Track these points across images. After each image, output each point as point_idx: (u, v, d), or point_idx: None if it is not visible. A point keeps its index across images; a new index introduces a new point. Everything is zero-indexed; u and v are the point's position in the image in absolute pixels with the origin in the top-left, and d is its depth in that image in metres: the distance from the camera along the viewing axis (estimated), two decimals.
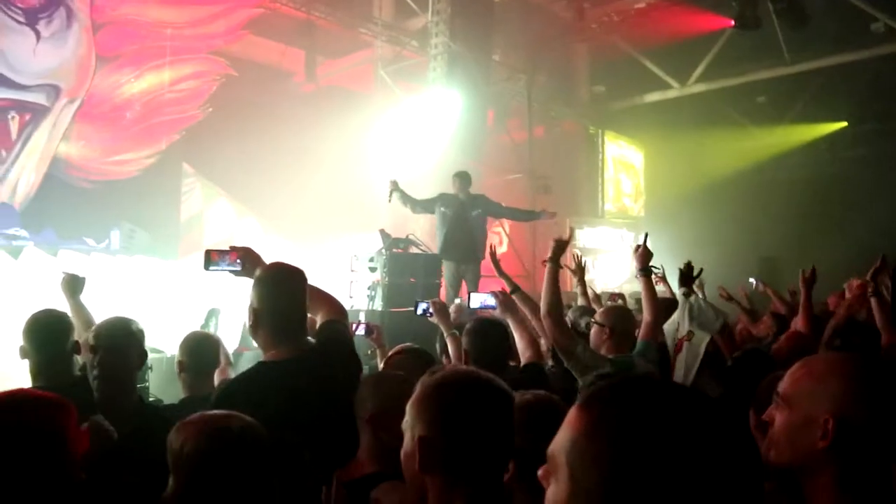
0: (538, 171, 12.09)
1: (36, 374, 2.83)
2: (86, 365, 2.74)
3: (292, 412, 2.06)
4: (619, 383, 0.92)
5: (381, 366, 3.39)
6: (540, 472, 0.93)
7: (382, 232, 7.37)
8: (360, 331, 3.92)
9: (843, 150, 14.78)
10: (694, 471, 0.82)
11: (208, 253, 2.66)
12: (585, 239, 13.87)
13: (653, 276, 3.71)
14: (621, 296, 6.65)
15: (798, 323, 4.20)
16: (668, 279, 5.44)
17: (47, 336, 2.84)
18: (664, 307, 3.86)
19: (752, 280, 6.94)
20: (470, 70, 10.06)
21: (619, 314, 3.62)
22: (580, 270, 5.18)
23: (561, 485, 0.88)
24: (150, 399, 3.62)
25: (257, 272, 2.46)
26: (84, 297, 3.41)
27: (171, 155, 9.61)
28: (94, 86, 8.96)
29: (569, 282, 6.50)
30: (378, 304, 6.86)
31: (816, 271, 4.36)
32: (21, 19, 8.31)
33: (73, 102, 8.80)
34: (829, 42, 11.87)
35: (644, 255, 3.64)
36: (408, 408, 1.51)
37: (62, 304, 3.24)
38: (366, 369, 2.93)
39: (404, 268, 7.17)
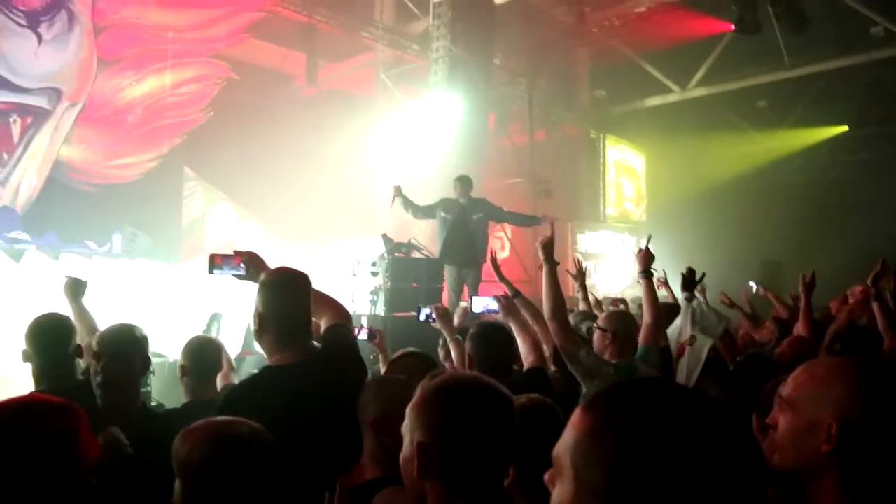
0: (539, 175, 12.10)
1: (39, 377, 2.83)
2: (88, 368, 2.74)
3: (297, 416, 2.05)
4: (622, 385, 0.93)
5: (383, 370, 3.39)
6: (546, 477, 0.93)
7: (385, 236, 7.37)
8: (363, 335, 3.91)
9: (844, 153, 14.80)
10: (698, 471, 0.82)
11: (212, 257, 2.67)
12: (587, 243, 13.88)
13: (655, 281, 3.71)
14: (623, 301, 6.64)
15: (799, 328, 4.20)
16: (670, 284, 5.45)
17: (50, 340, 2.85)
18: (665, 312, 3.86)
19: (752, 284, 6.94)
20: (471, 74, 10.08)
21: (622, 319, 3.62)
22: (581, 275, 5.17)
23: (566, 486, 0.88)
24: (152, 403, 3.62)
25: (262, 277, 2.46)
26: (86, 301, 3.42)
27: (173, 158, 9.61)
28: (95, 89, 8.96)
29: (570, 287, 6.50)
30: (380, 309, 6.87)
31: (816, 276, 4.37)
32: (22, 22, 8.32)
33: (74, 106, 8.80)
34: (829, 46, 11.89)
35: (646, 257, 3.65)
36: (407, 412, 1.49)
37: (64, 308, 3.25)
38: (368, 374, 2.93)
39: (406, 272, 7.17)
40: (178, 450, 1.71)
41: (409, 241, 7.56)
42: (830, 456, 1.29)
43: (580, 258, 5.96)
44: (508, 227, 11.02)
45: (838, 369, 1.38)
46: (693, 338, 3.68)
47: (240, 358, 5.96)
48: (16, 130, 8.35)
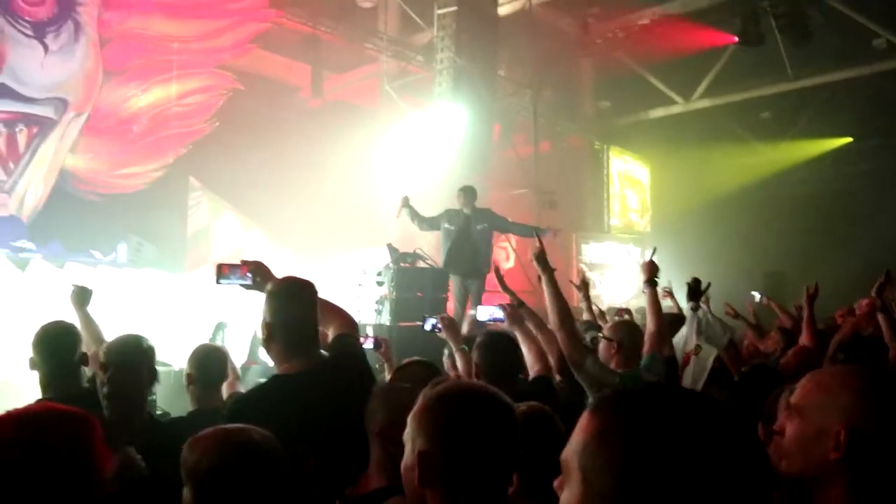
0: (544, 185, 12.11)
1: (45, 385, 2.84)
2: (94, 376, 2.75)
3: (305, 425, 2.05)
4: (629, 389, 0.93)
5: (388, 379, 3.39)
6: (556, 483, 0.93)
7: (390, 246, 7.38)
8: (368, 344, 3.91)
9: (847, 165, 14.81)
10: (706, 473, 0.83)
11: (219, 267, 2.68)
12: (591, 254, 13.88)
13: (660, 291, 3.72)
14: (628, 311, 6.64)
15: (803, 339, 4.20)
16: (675, 294, 5.44)
17: (56, 348, 2.86)
18: (670, 322, 3.86)
19: (755, 294, 6.92)
20: (475, 85, 10.10)
21: (627, 329, 3.62)
22: (585, 286, 5.17)
23: (574, 489, 0.89)
24: (158, 412, 3.62)
25: (269, 286, 2.46)
26: (91, 310, 3.43)
27: (178, 168, 9.65)
28: (101, 99, 9.02)
29: (574, 298, 6.50)
30: (385, 319, 6.87)
31: (820, 287, 4.36)
32: (29, 33, 8.39)
33: (80, 116, 8.85)
34: (832, 58, 11.92)
35: (650, 266, 3.66)
36: (409, 420, 1.48)
37: (69, 316, 3.25)
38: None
39: (412, 282, 7.18)
40: (186, 457, 1.70)
41: (415, 251, 7.57)
42: (838, 463, 1.30)
43: (584, 269, 5.96)
44: (513, 238, 11.03)
45: (846, 377, 1.38)
46: (698, 347, 3.68)
47: (245, 367, 5.97)
48: (22, 140, 8.40)
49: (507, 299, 3.90)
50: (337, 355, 2.44)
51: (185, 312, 7.49)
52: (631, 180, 15.99)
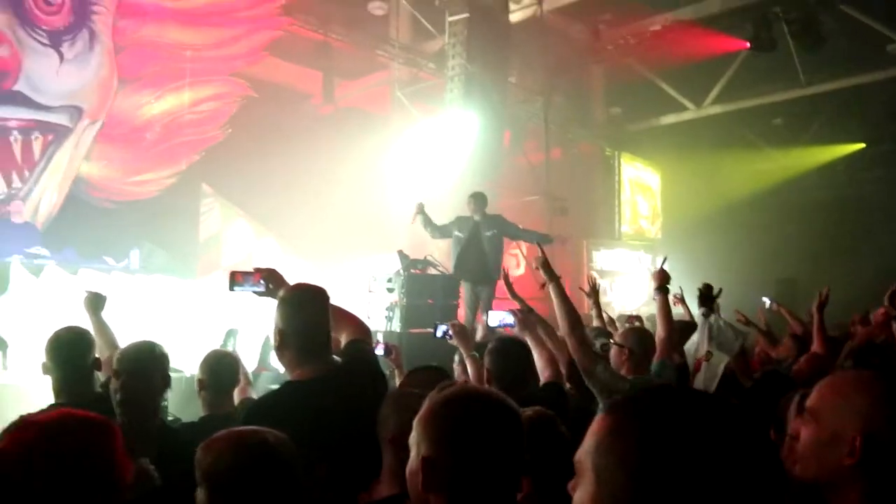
0: (555, 192, 12.10)
1: (58, 390, 2.85)
2: (107, 382, 2.76)
3: (318, 431, 2.05)
4: (641, 390, 0.94)
5: (398, 385, 3.39)
6: (570, 485, 0.94)
7: (400, 253, 7.39)
8: (379, 351, 3.91)
9: (860, 171, 14.73)
10: (718, 473, 0.83)
11: (233, 274, 2.68)
12: (602, 261, 13.85)
13: (671, 298, 3.71)
14: (638, 318, 6.61)
15: (815, 345, 4.18)
16: (687, 301, 5.42)
17: (69, 353, 2.87)
18: (679, 329, 3.85)
19: (765, 299, 6.87)
20: (487, 92, 10.12)
21: (639, 335, 3.62)
22: (595, 293, 5.15)
23: (587, 488, 0.89)
24: (169, 418, 3.64)
25: (281, 293, 2.47)
26: (104, 316, 3.45)
27: (191, 175, 9.72)
28: (115, 107, 9.10)
29: (584, 305, 6.48)
30: (396, 325, 6.87)
31: (831, 293, 4.34)
32: (45, 41, 8.47)
33: (94, 123, 8.94)
34: (845, 64, 11.87)
35: (661, 274, 3.65)
36: (414, 424, 1.47)
37: (83, 322, 3.27)
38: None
39: (422, 289, 7.18)
40: (201, 459, 1.70)
41: (425, 257, 7.57)
42: (853, 469, 1.29)
43: (594, 275, 5.94)
44: (524, 245, 11.02)
45: (863, 382, 1.38)
46: (709, 353, 3.67)
47: (256, 373, 5.98)
48: (37, 147, 8.48)
49: (517, 306, 3.90)
50: (350, 361, 2.44)
51: (197, 319, 7.51)
52: (642, 187, 15.96)
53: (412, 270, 7.27)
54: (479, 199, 7.83)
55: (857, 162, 14.80)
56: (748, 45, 11.34)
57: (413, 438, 1.46)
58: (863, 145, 14.61)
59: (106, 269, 7.66)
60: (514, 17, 11.34)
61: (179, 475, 2.01)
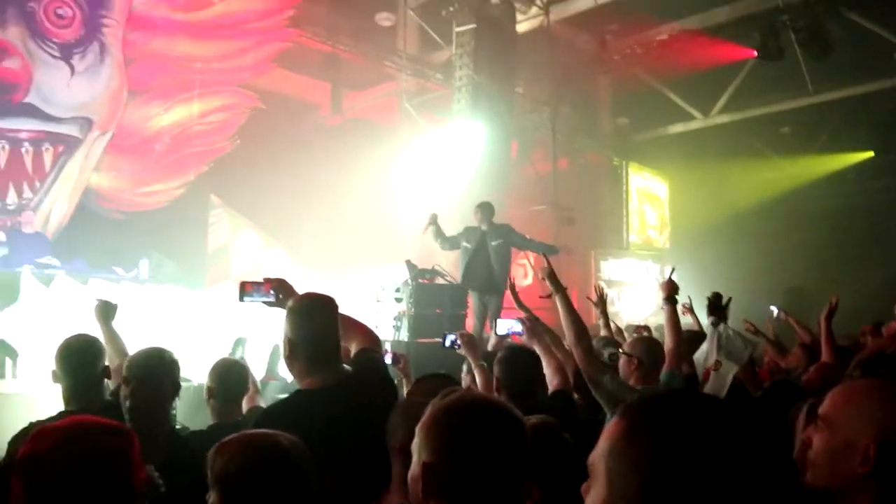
0: (562, 202, 12.09)
1: (68, 398, 2.85)
2: (117, 389, 2.77)
3: (327, 440, 2.04)
4: (656, 394, 0.94)
5: (406, 393, 3.39)
6: (583, 487, 0.94)
7: (408, 263, 7.40)
8: (387, 360, 3.92)
9: (870, 179, 14.65)
10: (731, 478, 0.83)
11: (243, 284, 2.68)
12: (610, 271, 13.83)
13: (681, 308, 3.69)
14: (646, 328, 6.58)
15: (823, 355, 4.15)
16: (695, 311, 5.40)
17: (79, 361, 2.86)
18: (688, 339, 3.83)
19: (773, 308, 6.83)
20: (494, 102, 10.15)
21: (648, 345, 3.60)
22: (602, 303, 5.14)
23: (599, 491, 0.89)
24: (177, 427, 3.64)
25: (289, 303, 2.47)
26: (114, 325, 3.45)
27: (200, 186, 9.77)
28: (124, 118, 9.17)
29: (592, 315, 6.47)
30: (404, 335, 6.88)
31: (840, 302, 4.31)
32: (56, 54, 8.56)
33: (104, 135, 9.01)
34: (853, 72, 11.84)
35: (670, 285, 3.64)
36: (416, 430, 1.46)
37: (93, 332, 3.28)
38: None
39: (430, 298, 7.19)
40: (213, 462, 1.69)
41: (433, 267, 7.58)
42: (866, 478, 1.28)
43: (602, 285, 5.93)
44: (531, 255, 11.01)
45: (878, 390, 1.37)
46: (718, 363, 3.65)
47: (264, 382, 6.00)
48: (48, 158, 8.55)
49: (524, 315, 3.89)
50: (359, 370, 2.44)
51: (205, 328, 7.54)
52: (650, 196, 15.94)
53: (420, 280, 7.28)
54: (485, 208, 7.84)
55: (865, 171, 14.73)
56: (755, 53, 11.33)
57: (415, 444, 1.45)
58: (871, 154, 14.55)
59: (115, 279, 7.71)
60: (521, 27, 11.38)
61: (187, 483, 2.02)
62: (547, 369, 3.32)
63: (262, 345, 7.28)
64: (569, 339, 3.29)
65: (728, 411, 0.89)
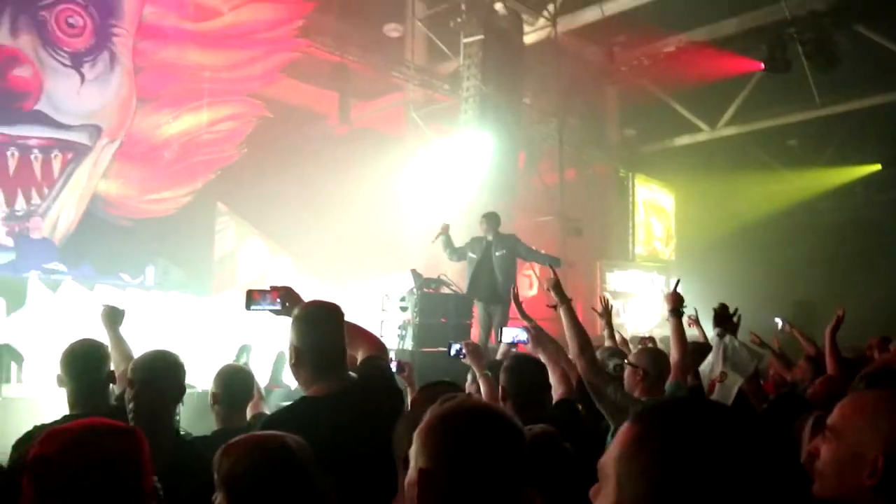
0: (569, 213, 12.10)
1: (73, 403, 2.85)
2: (122, 394, 2.76)
3: (333, 448, 2.04)
4: (667, 401, 0.94)
5: (410, 400, 3.39)
6: (592, 490, 0.94)
7: (414, 272, 7.40)
8: (392, 367, 3.92)
9: (877, 192, 14.62)
10: (739, 486, 0.83)
11: (250, 293, 2.68)
12: (616, 282, 13.81)
13: (686, 320, 3.68)
14: (651, 339, 6.57)
15: (828, 368, 4.14)
16: (701, 323, 5.38)
17: (84, 365, 2.86)
18: (694, 351, 3.82)
19: (777, 320, 6.79)
20: (501, 113, 10.17)
21: (653, 356, 3.58)
22: (607, 314, 5.13)
23: (608, 495, 0.90)
24: (181, 433, 3.64)
25: (295, 311, 2.46)
26: (121, 331, 3.46)
27: (207, 194, 9.80)
28: (133, 126, 9.22)
29: (597, 326, 6.46)
30: (408, 344, 6.87)
31: (848, 315, 4.30)
32: (67, 62, 8.62)
33: (113, 142, 9.06)
34: (860, 84, 11.84)
35: (675, 297, 3.63)
36: (414, 435, 1.43)
37: (99, 337, 3.29)
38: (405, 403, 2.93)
39: (435, 308, 7.19)
40: (220, 463, 1.69)
41: (439, 276, 7.59)
42: (874, 490, 1.27)
43: (607, 296, 5.92)
44: (537, 266, 11.01)
45: (887, 402, 1.36)
46: (723, 374, 3.63)
47: (267, 390, 5.98)
48: (57, 165, 8.61)
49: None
50: (366, 377, 2.44)
51: (211, 335, 7.55)
52: (656, 208, 15.94)
53: (425, 289, 7.28)
54: (491, 218, 7.84)
55: (872, 184, 14.70)
56: (763, 66, 11.34)
57: (412, 450, 1.43)
58: (878, 167, 14.52)
59: (122, 285, 7.73)
60: (529, 38, 11.42)
61: (191, 487, 2.02)
62: (551, 378, 3.31)
63: (267, 352, 7.28)
64: (572, 350, 3.28)
65: (738, 420, 0.89)
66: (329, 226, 9.83)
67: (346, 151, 10.75)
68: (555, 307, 3.44)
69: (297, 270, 10.62)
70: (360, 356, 2.57)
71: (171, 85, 9.51)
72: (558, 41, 11.71)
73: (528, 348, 3.59)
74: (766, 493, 0.84)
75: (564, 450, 2.10)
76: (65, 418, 2.63)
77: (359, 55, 10.96)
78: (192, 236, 9.41)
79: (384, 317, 7.26)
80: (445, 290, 7.55)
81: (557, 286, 3.44)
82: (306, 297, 2.64)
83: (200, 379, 5.55)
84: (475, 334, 7.56)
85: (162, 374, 2.61)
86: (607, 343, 4.91)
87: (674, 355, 3.49)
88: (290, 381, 6.40)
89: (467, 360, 3.68)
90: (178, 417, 2.95)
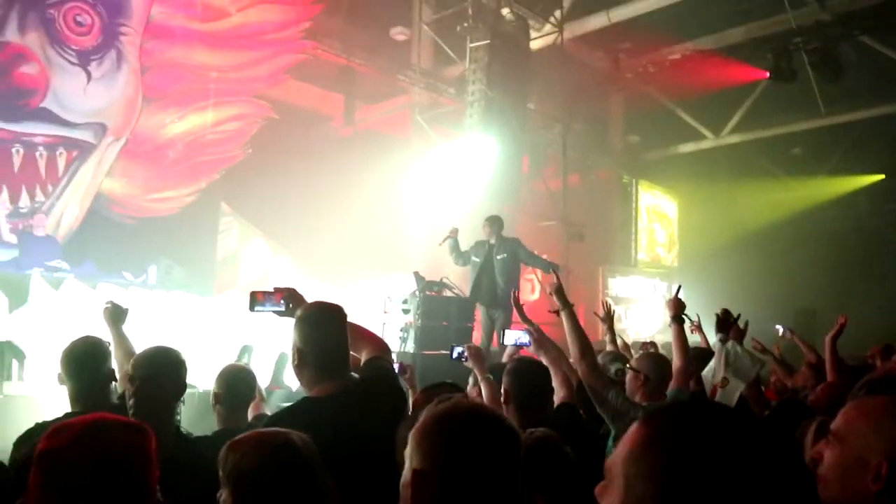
0: (572, 218, 12.10)
1: (74, 400, 2.84)
2: (125, 393, 2.76)
3: (336, 448, 2.03)
4: (676, 403, 0.95)
5: (412, 402, 3.38)
6: (597, 489, 0.94)
7: (416, 274, 7.41)
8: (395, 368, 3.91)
9: (882, 202, 14.62)
10: (745, 489, 0.83)
11: (253, 294, 2.68)
12: (618, 288, 13.80)
13: (689, 326, 3.67)
14: (653, 344, 6.56)
15: (828, 376, 4.14)
16: (703, 329, 5.38)
17: (84, 363, 2.85)
18: (695, 356, 3.81)
19: (778, 327, 6.79)
20: (506, 117, 10.17)
21: (655, 361, 3.58)
22: (609, 319, 5.12)
23: (615, 495, 0.90)
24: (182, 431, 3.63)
25: (298, 312, 2.46)
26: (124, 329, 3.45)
27: (211, 194, 9.82)
28: (139, 125, 9.24)
29: (599, 331, 6.46)
30: (410, 346, 6.87)
31: (850, 324, 4.29)
32: (74, 61, 8.65)
33: (118, 141, 9.07)
34: (865, 94, 11.85)
35: (676, 303, 3.62)
36: (409, 436, 1.44)
37: (101, 335, 3.28)
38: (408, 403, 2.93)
39: (437, 311, 7.19)
40: (225, 459, 1.69)
41: (441, 279, 7.59)
42: (878, 496, 1.27)
43: (609, 301, 5.91)
44: (539, 270, 11.01)
45: (892, 407, 1.35)
46: (725, 380, 3.62)
47: (268, 391, 5.99)
48: (61, 163, 8.63)
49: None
50: (369, 378, 2.44)
51: (212, 335, 7.55)
52: (659, 215, 15.93)
53: (428, 292, 7.28)
54: (494, 222, 7.85)
55: (876, 193, 14.69)
56: (768, 75, 11.35)
57: (407, 451, 1.43)
58: (882, 176, 14.51)
59: (124, 283, 7.74)
60: (535, 44, 11.43)
61: (191, 485, 2.01)
62: (553, 380, 3.31)
63: (268, 353, 7.28)
64: (573, 355, 3.28)
65: (747, 423, 0.90)
66: (332, 227, 9.84)
67: (351, 153, 10.77)
68: (557, 312, 3.43)
69: (300, 271, 10.63)
70: (363, 357, 2.57)
71: (177, 84, 9.53)
72: (564, 47, 11.71)
73: (531, 350, 3.59)
74: (773, 496, 0.84)
75: (566, 454, 2.10)
76: (66, 416, 2.62)
77: (365, 58, 10.99)
78: (195, 236, 9.42)
79: (386, 319, 7.26)
80: (447, 293, 7.55)
81: (559, 291, 3.44)
82: (309, 299, 2.64)
83: (201, 379, 5.55)
84: (477, 338, 7.56)
85: (163, 371, 2.60)
86: (609, 348, 4.91)
87: (676, 362, 3.48)
88: (291, 382, 6.40)
89: (469, 364, 3.68)
90: (178, 418, 2.94)
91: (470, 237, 8.15)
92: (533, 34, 11.31)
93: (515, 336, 3.94)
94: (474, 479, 1.35)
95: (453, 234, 7.81)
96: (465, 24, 10.32)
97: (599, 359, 4.04)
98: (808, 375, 4.87)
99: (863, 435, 1.33)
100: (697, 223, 15.50)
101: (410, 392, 3.90)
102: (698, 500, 0.83)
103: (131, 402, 2.56)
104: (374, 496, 2.06)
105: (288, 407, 2.44)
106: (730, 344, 3.73)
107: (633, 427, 0.93)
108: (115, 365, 3.03)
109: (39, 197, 8.48)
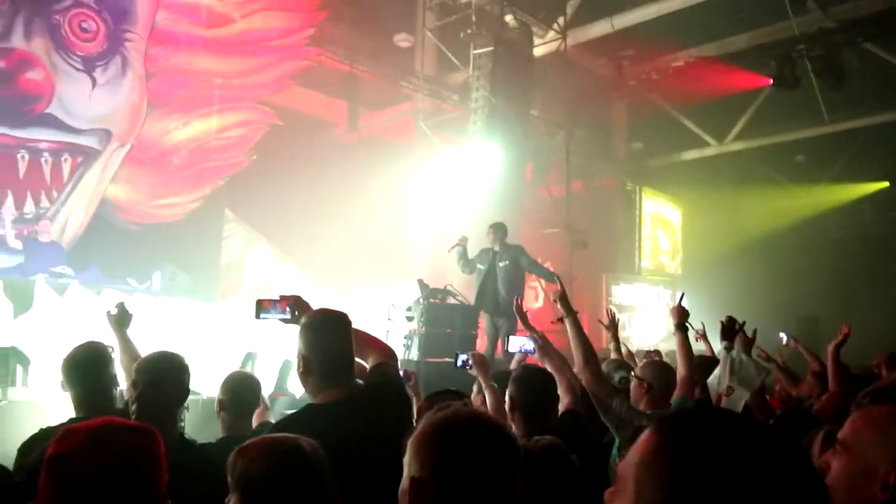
0: (575, 225, 12.10)
1: (78, 406, 2.83)
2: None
3: (341, 454, 2.04)
4: (689, 410, 0.95)
5: (416, 409, 3.38)
6: (607, 494, 0.94)
7: (420, 282, 7.41)
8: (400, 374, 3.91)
9: (886, 209, 14.60)
10: (755, 496, 0.83)
11: (259, 302, 2.68)
12: (621, 296, 13.78)
13: (694, 334, 3.66)
14: (657, 353, 6.54)
15: (830, 385, 4.12)
16: (708, 338, 5.37)
17: (85, 370, 2.84)
18: (700, 365, 3.81)
19: (782, 335, 6.77)
20: (509, 124, 10.19)
21: (659, 369, 3.57)
22: (614, 327, 5.12)
23: (626, 499, 0.90)
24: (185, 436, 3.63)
25: (303, 319, 2.47)
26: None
27: (215, 200, 9.83)
28: (143, 131, 9.26)
29: (603, 339, 6.44)
30: (414, 354, 6.87)
31: (853, 332, 4.28)
32: (79, 67, 8.68)
33: (123, 147, 9.09)
34: (868, 102, 11.85)
35: (680, 311, 3.61)
36: (408, 443, 1.44)
37: (105, 341, 3.28)
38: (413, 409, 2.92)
39: (441, 318, 7.19)
40: (234, 465, 1.69)
41: (445, 287, 7.58)
42: None
43: (613, 309, 5.91)
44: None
45: None
46: (730, 389, 3.62)
47: (272, 398, 5.99)
48: (66, 169, 8.64)
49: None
50: (374, 384, 2.44)
51: (216, 342, 7.55)
52: (663, 222, 15.92)
53: (432, 300, 7.28)
54: (498, 229, 7.85)
55: (880, 201, 14.68)
56: (771, 82, 11.35)
57: (406, 458, 1.43)
58: (886, 184, 14.50)
59: (129, 290, 7.75)
60: (538, 51, 11.45)
61: (194, 490, 2.01)
62: (558, 387, 3.31)
63: (272, 360, 7.28)
64: (577, 363, 3.27)
65: (754, 430, 0.89)
66: (336, 234, 9.84)
67: (355, 160, 10.78)
68: (561, 320, 3.43)
69: (304, 278, 10.63)
70: (369, 363, 2.57)
71: (181, 91, 9.56)
72: (568, 54, 11.73)
73: (536, 357, 3.58)
74: (783, 500, 0.84)
75: (572, 462, 2.10)
76: (70, 421, 2.62)
77: (369, 65, 11.01)
78: (199, 242, 9.43)
79: (390, 326, 7.27)
80: (452, 301, 7.55)
81: (563, 298, 3.43)
82: (314, 306, 2.64)
83: (205, 386, 5.55)
84: (481, 345, 7.55)
85: (166, 376, 2.60)
86: (613, 356, 4.90)
87: (681, 371, 3.47)
88: (295, 389, 6.40)
89: (473, 371, 3.67)
90: (182, 425, 2.94)
91: (474, 244, 8.15)
92: (536, 41, 11.34)
93: (520, 343, 3.93)
94: (472, 487, 1.35)
95: (463, 243, 7.81)
96: (469, 31, 10.35)
97: (603, 367, 4.03)
98: (813, 384, 4.85)
99: (870, 444, 1.33)
100: (701, 230, 15.49)
101: (414, 400, 3.90)
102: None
103: (134, 406, 2.56)
104: (378, 502, 2.06)
105: (293, 414, 2.43)
106: (735, 352, 3.73)
107: (646, 433, 0.93)
108: (120, 370, 3.03)
109: (44, 203, 8.50)
